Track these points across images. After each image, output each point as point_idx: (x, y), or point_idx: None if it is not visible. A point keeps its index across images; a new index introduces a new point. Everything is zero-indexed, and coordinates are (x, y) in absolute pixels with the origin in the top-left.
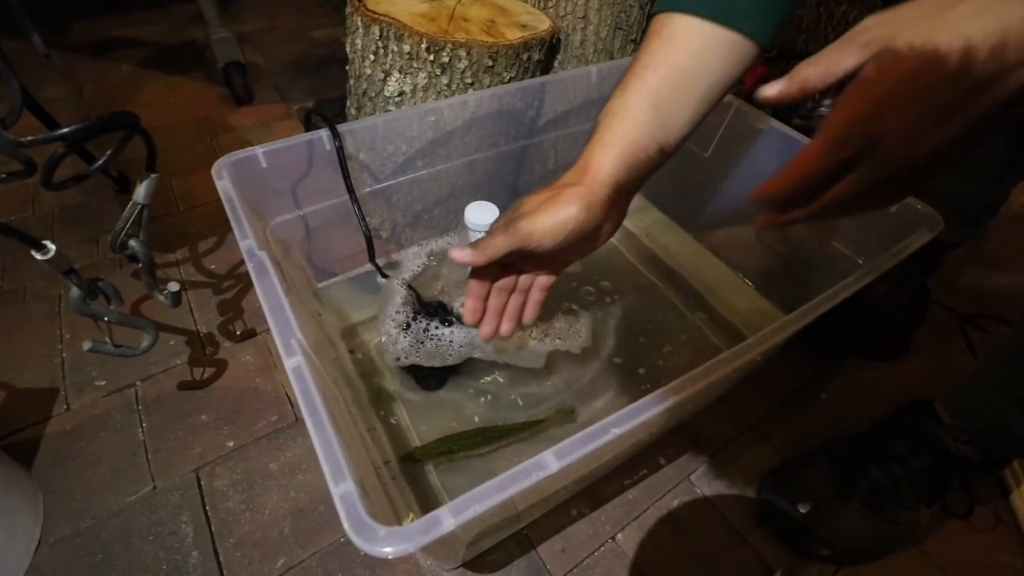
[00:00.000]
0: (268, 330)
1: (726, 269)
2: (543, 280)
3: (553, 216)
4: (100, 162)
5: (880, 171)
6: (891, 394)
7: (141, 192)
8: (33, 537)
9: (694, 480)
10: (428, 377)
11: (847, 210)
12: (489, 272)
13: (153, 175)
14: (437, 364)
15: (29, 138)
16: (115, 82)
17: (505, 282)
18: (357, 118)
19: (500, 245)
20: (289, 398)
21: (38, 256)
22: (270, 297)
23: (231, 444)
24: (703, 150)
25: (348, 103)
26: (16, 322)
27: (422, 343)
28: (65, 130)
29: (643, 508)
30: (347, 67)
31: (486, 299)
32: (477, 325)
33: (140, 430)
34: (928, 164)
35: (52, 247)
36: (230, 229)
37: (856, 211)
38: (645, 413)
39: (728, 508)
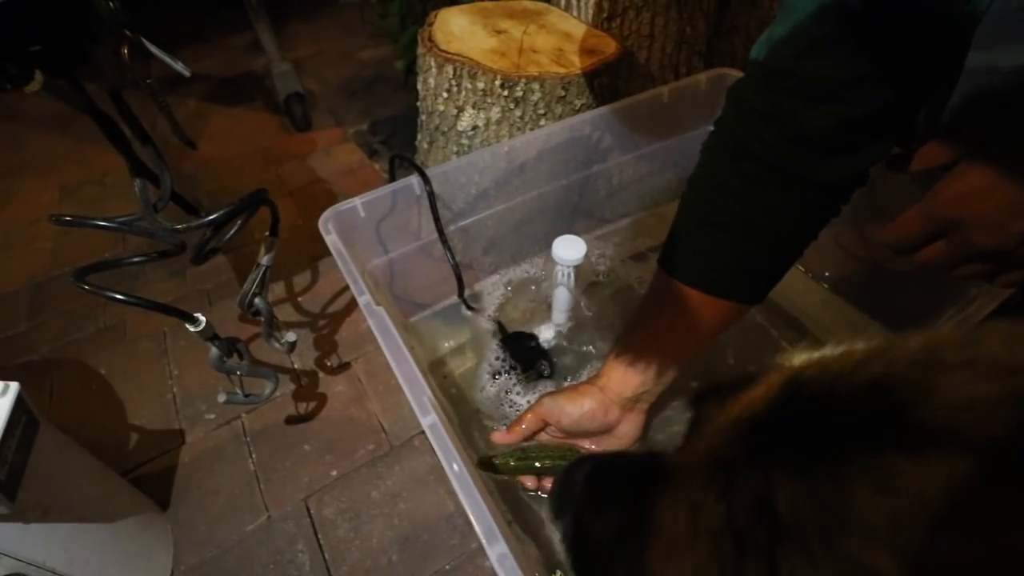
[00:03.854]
0: (358, 359)
1: (808, 279)
2: None
3: (572, 401)
4: (232, 232)
5: (964, 247)
6: None
7: (265, 256)
8: (167, 567)
9: None
10: None
11: (949, 270)
12: None
13: (276, 239)
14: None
15: (182, 225)
16: (183, 118)
17: None
18: (429, 151)
19: (529, 420)
20: (383, 426)
21: (191, 328)
22: (396, 354)
23: (334, 473)
24: None
25: (419, 137)
26: (129, 361)
27: (501, 405)
28: (212, 216)
29: None
30: (418, 103)
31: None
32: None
33: (250, 461)
34: None
35: (203, 319)
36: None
37: (964, 277)
38: None
39: None
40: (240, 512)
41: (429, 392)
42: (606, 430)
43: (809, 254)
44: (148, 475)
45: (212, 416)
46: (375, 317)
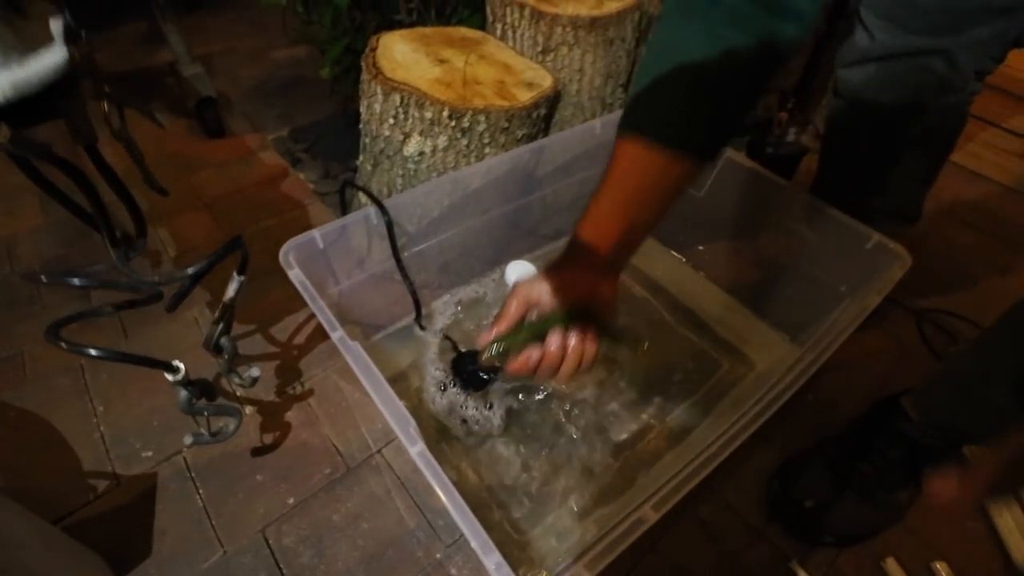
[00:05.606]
0: (306, 382)
1: (716, 289)
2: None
3: (549, 276)
4: (201, 268)
5: None
6: (864, 390)
7: (231, 292)
8: None
9: (714, 486)
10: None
11: None
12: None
13: (243, 278)
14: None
15: (161, 277)
16: None
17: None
18: (373, 173)
19: (514, 309)
20: (338, 449)
21: (170, 377)
22: (380, 391)
23: (291, 501)
24: (697, 191)
25: (361, 159)
26: (43, 398)
27: (465, 422)
28: (190, 270)
29: (677, 517)
30: (360, 126)
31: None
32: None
33: (198, 496)
34: None
35: (182, 367)
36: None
37: None
38: (720, 457)
39: (745, 508)
40: (192, 551)
41: (414, 423)
42: (587, 295)
43: (716, 263)
44: (81, 522)
45: (149, 454)
46: (352, 353)
